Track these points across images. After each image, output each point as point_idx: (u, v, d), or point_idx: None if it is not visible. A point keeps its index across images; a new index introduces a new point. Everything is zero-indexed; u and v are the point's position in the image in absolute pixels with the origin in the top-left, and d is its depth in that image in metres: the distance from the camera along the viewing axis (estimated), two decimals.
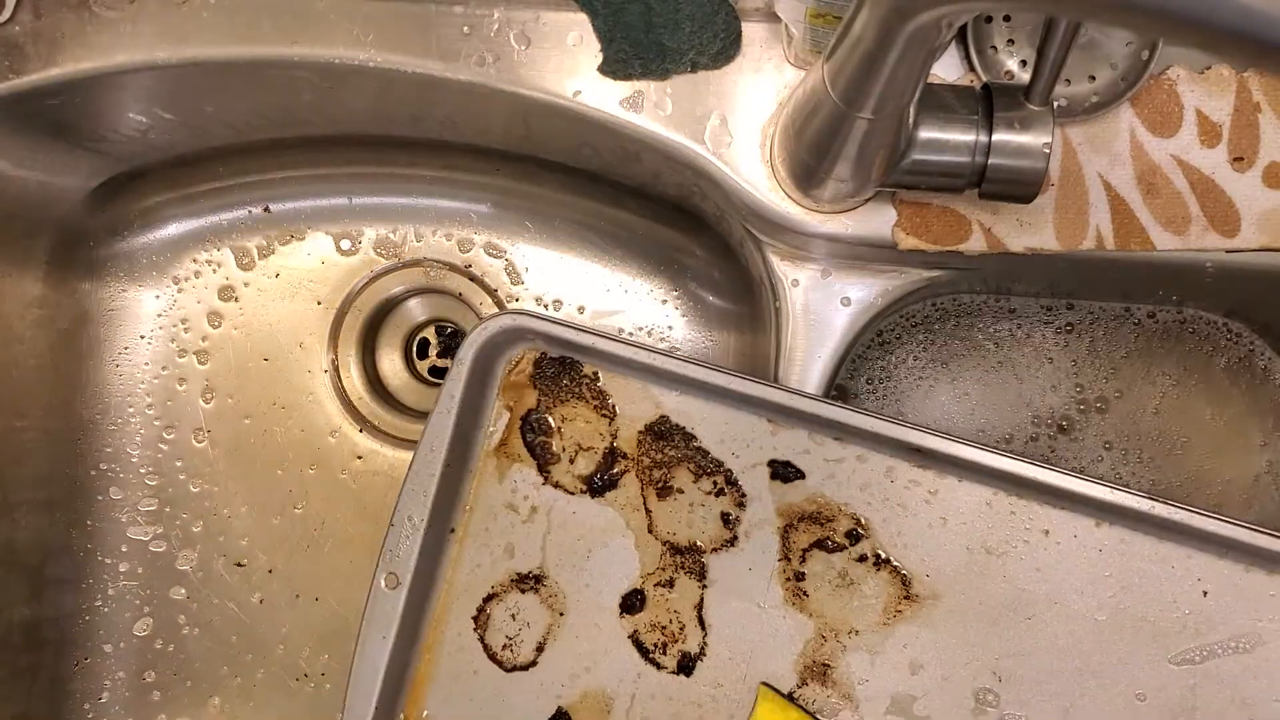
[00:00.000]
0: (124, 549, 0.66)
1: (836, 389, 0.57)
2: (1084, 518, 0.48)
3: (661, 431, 0.51)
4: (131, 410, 0.66)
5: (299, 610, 0.66)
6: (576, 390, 0.51)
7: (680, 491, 0.51)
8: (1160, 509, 0.46)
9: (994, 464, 0.47)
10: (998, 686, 0.48)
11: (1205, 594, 0.48)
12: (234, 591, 0.66)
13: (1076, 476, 0.47)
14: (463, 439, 0.51)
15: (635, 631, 0.50)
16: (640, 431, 0.51)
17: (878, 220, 0.50)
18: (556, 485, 0.51)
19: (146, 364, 0.67)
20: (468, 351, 0.50)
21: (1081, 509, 0.48)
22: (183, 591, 0.66)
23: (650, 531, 0.51)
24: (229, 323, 0.67)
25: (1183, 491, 0.60)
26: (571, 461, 0.51)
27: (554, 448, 0.51)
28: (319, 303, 0.67)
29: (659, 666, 0.50)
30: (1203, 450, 0.60)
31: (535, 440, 0.52)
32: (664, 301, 0.68)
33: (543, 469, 0.51)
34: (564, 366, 0.51)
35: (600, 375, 0.51)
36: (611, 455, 0.51)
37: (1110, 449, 0.61)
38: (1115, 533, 0.48)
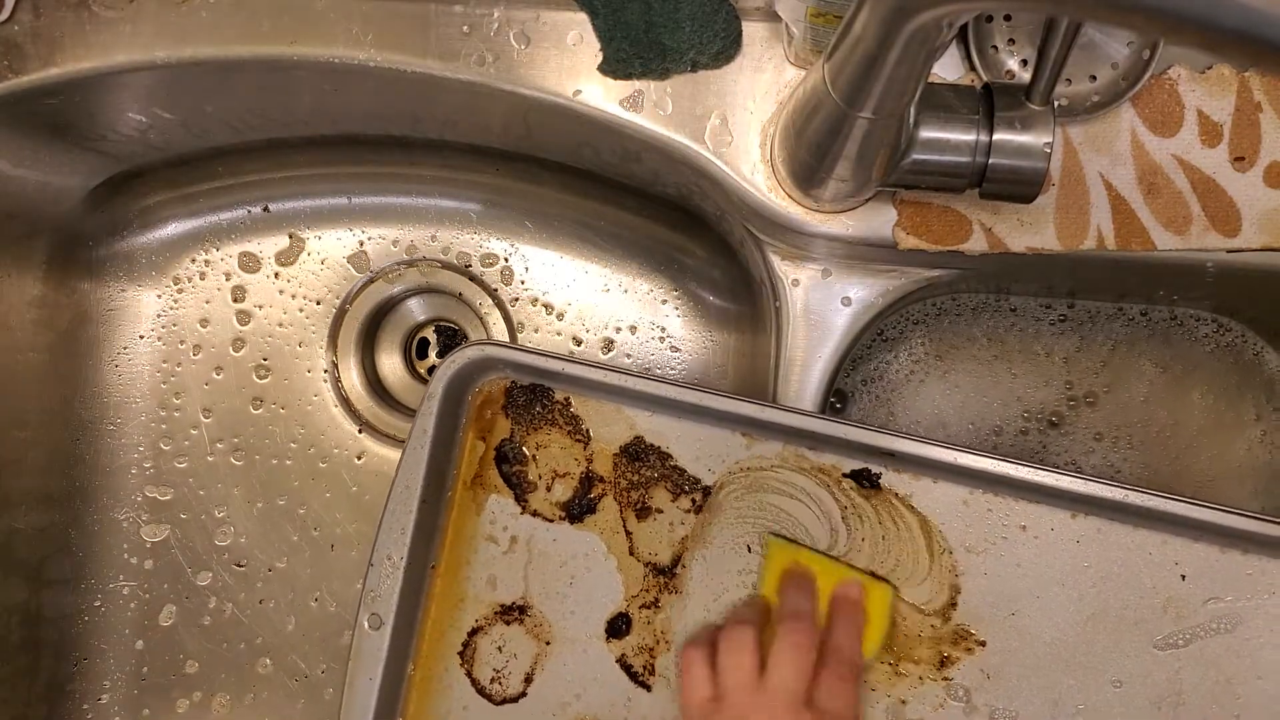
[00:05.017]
0: (123, 549, 0.66)
1: (834, 389, 0.57)
2: (1060, 510, 0.48)
3: (637, 452, 0.51)
4: (131, 410, 0.66)
5: (299, 610, 0.66)
6: (549, 417, 0.51)
7: (659, 511, 0.50)
8: (1134, 497, 0.46)
9: (968, 463, 0.47)
10: (986, 684, 0.48)
11: (1184, 578, 0.48)
12: (234, 592, 0.66)
13: (1049, 470, 0.47)
14: (437, 473, 0.50)
15: (623, 655, 0.50)
16: (615, 454, 0.51)
17: (878, 220, 0.50)
18: (535, 514, 0.51)
19: (146, 364, 0.67)
20: (437, 386, 0.49)
21: (1057, 502, 0.48)
22: (183, 592, 0.66)
23: (632, 554, 0.50)
24: (228, 323, 0.67)
25: (1174, 469, 0.60)
26: (548, 489, 0.51)
27: (530, 476, 0.51)
28: (318, 303, 0.67)
29: (649, 689, 0.50)
30: (1192, 430, 0.60)
31: (511, 470, 0.51)
32: (664, 301, 0.68)
33: (520, 498, 0.51)
34: (535, 394, 0.51)
35: (572, 400, 0.51)
36: (588, 480, 0.51)
37: (1101, 440, 0.61)
38: (1091, 523, 0.48)
